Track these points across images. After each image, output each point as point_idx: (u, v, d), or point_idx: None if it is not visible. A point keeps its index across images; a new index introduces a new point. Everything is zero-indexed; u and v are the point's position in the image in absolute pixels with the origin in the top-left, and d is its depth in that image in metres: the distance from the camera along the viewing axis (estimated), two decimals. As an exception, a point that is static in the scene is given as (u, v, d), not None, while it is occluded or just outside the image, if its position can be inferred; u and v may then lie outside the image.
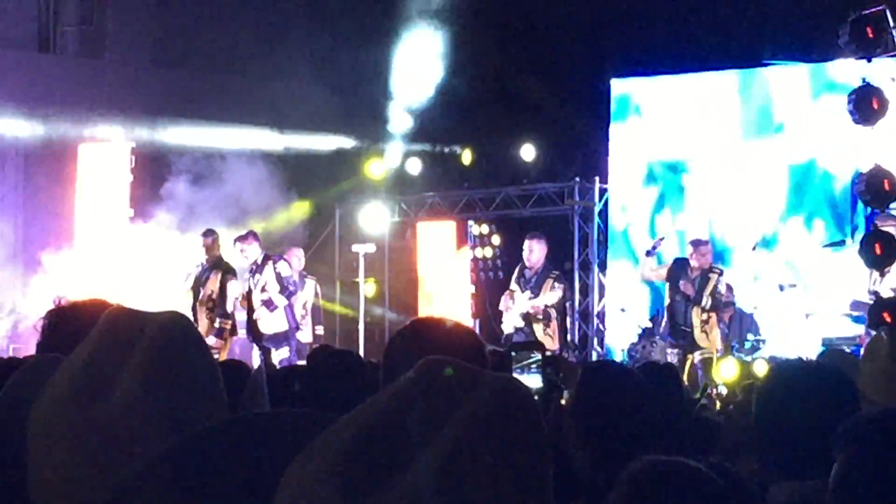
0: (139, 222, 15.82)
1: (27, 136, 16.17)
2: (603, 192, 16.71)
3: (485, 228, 17.92)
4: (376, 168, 18.22)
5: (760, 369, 10.87)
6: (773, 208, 15.33)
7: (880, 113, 12.27)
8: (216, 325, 13.62)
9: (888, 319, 10.96)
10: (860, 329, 12.19)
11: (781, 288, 13.94)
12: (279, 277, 13.49)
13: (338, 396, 4.02)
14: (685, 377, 12.22)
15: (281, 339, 13.52)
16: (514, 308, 13.61)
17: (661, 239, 14.16)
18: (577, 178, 16.81)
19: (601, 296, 16.61)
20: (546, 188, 17.23)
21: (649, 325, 14.54)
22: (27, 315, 14.53)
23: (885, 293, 11.81)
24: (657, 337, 13.71)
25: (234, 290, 13.65)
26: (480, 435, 1.15)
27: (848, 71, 13.43)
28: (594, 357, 15.67)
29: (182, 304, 13.41)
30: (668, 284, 13.36)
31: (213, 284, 13.75)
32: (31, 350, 3.17)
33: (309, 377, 4.53)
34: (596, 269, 16.64)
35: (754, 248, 14.69)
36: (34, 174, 17.01)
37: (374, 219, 17.73)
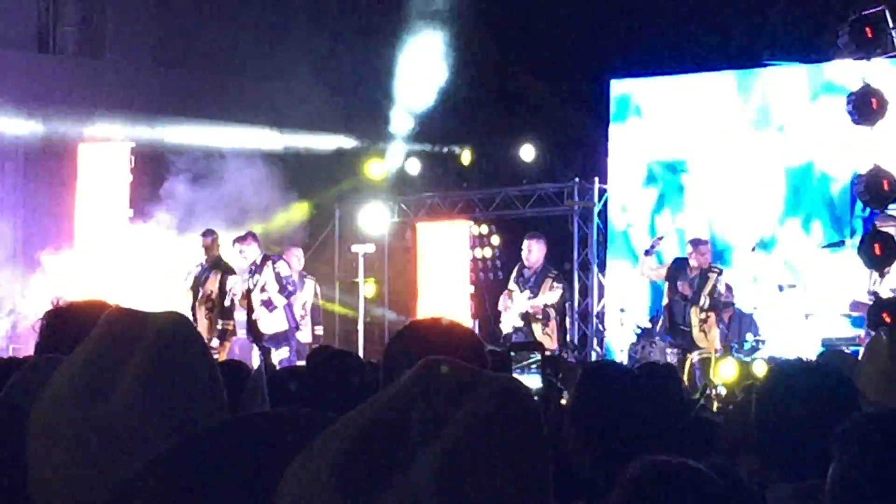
0: (139, 222, 15.82)
1: (27, 136, 16.17)
2: (602, 192, 16.71)
3: (484, 229, 17.91)
4: (376, 168, 18.22)
5: (760, 370, 10.87)
6: (771, 209, 15.34)
7: (880, 113, 12.27)
8: (218, 326, 13.65)
9: (888, 320, 10.96)
10: (860, 330, 12.19)
11: (781, 288, 13.94)
12: (278, 277, 13.49)
13: (337, 397, 4.02)
14: (685, 377, 12.23)
15: (281, 338, 13.52)
16: (513, 308, 13.61)
17: (660, 238, 14.18)
18: (577, 179, 16.81)
19: (601, 296, 16.61)
20: (546, 188, 17.23)
21: (648, 325, 14.54)
22: (27, 315, 14.52)
23: (885, 294, 11.81)
24: (657, 337, 13.72)
25: (233, 283, 13.64)
26: (480, 435, 1.15)
27: (847, 72, 13.43)
28: (593, 357, 15.67)
29: (181, 303, 13.41)
30: (667, 284, 13.37)
31: (212, 284, 13.76)
32: (30, 350, 3.16)
33: (308, 378, 4.53)
34: (595, 269, 16.64)
35: (753, 250, 14.69)
36: (34, 174, 17.01)
37: (374, 219, 17.72)
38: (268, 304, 13.44)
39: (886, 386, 3.70)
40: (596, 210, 16.69)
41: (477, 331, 13.20)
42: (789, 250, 14.96)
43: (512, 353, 3.61)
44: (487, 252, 17.86)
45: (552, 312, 13.62)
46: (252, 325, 13.61)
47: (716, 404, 8.65)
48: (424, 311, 16.42)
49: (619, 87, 16.62)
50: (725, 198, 15.54)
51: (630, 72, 16.47)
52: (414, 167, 18.41)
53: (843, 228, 14.78)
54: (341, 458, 1.16)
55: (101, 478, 1.41)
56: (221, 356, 12.54)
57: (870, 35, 12.31)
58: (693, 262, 13.16)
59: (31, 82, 16.51)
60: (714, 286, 13.00)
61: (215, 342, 13.44)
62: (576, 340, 16.27)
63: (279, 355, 13.37)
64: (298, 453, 1.21)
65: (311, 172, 17.56)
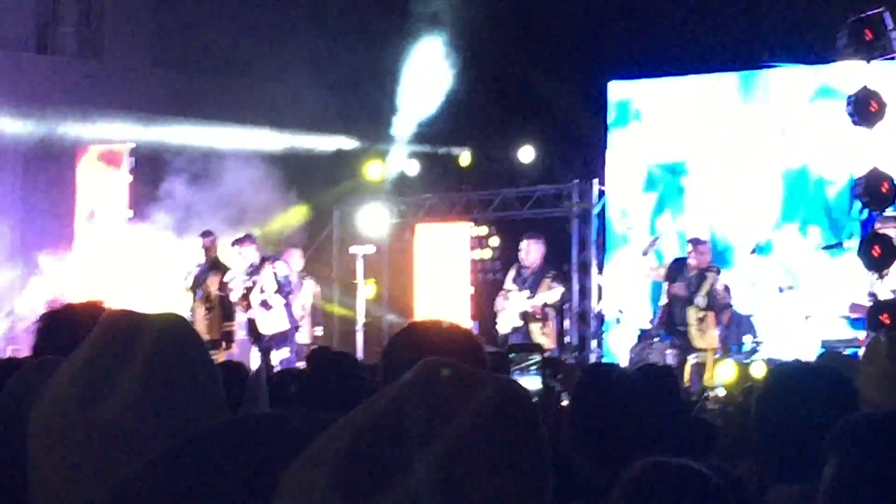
0: (138, 223, 15.82)
1: (26, 137, 16.17)
2: (601, 193, 16.72)
3: (483, 230, 17.91)
4: (375, 169, 18.22)
5: (758, 371, 10.87)
6: (769, 212, 15.35)
7: (879, 115, 12.28)
8: (223, 328, 13.68)
9: (887, 322, 10.96)
10: (859, 331, 12.19)
11: (780, 290, 13.95)
12: (276, 278, 13.51)
13: (336, 398, 4.03)
14: (685, 379, 12.24)
15: (282, 338, 13.53)
16: (511, 307, 13.61)
17: (656, 239, 14.22)
18: (576, 180, 16.82)
19: (599, 297, 16.62)
20: (544, 190, 17.24)
21: (648, 326, 14.54)
22: (25, 316, 14.53)
23: (884, 295, 11.81)
24: (656, 339, 13.73)
25: (229, 278, 13.63)
26: (480, 437, 1.15)
27: (845, 74, 13.43)
28: (592, 359, 15.68)
29: (180, 304, 13.42)
30: (666, 283, 13.39)
31: (211, 285, 13.78)
32: (28, 352, 3.16)
33: (307, 379, 4.54)
34: (594, 270, 16.64)
35: (753, 252, 14.71)
36: (33, 175, 17.01)
37: (373, 220, 17.72)
38: (265, 304, 13.45)
39: (886, 388, 3.70)
40: (595, 211, 16.69)
41: (476, 332, 13.19)
42: (787, 253, 14.97)
43: (511, 355, 3.62)
44: (486, 253, 17.86)
45: (551, 312, 13.63)
46: (253, 326, 13.62)
47: (715, 406, 8.65)
48: (423, 312, 16.42)
49: (618, 92, 16.62)
50: (725, 199, 15.55)
51: (629, 73, 16.47)
52: (413, 168, 18.41)
53: (841, 231, 14.80)
54: (341, 459, 1.16)
55: (101, 478, 1.41)
56: (220, 357, 12.53)
57: (869, 37, 12.32)
58: (692, 262, 13.19)
59: (31, 83, 16.51)
60: (712, 285, 13.02)
61: (225, 345, 13.52)
62: (574, 342, 16.27)
63: (280, 355, 13.37)
64: (298, 454, 1.21)
65: (311, 173, 17.56)
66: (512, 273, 13.98)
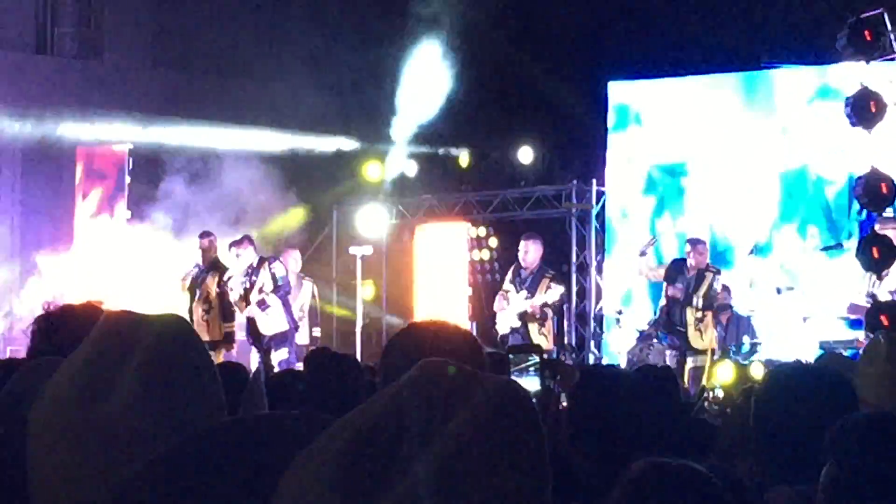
0: (137, 223, 15.82)
1: (24, 138, 16.17)
2: (600, 194, 16.72)
3: (482, 231, 17.91)
4: (374, 170, 18.22)
5: (757, 372, 10.86)
6: (767, 213, 15.36)
7: (878, 116, 12.28)
8: (223, 329, 13.68)
9: (886, 323, 10.96)
10: (857, 332, 12.19)
11: (779, 291, 13.95)
12: (274, 278, 13.51)
13: (335, 399, 4.02)
14: (684, 380, 12.23)
15: (282, 339, 13.53)
16: (510, 308, 13.61)
17: (654, 239, 14.24)
18: (575, 181, 16.82)
19: (598, 298, 16.62)
20: (543, 191, 17.24)
21: (649, 328, 14.53)
22: (23, 317, 14.53)
23: (883, 296, 11.81)
24: (655, 339, 13.73)
25: (228, 277, 13.64)
26: (479, 437, 1.16)
27: (844, 74, 13.44)
28: (591, 360, 15.68)
29: (179, 305, 13.42)
30: (665, 284, 13.40)
31: (209, 286, 13.77)
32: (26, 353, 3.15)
33: (306, 380, 4.53)
34: (593, 271, 16.64)
35: (751, 253, 14.71)
36: (31, 175, 17.01)
37: (372, 221, 17.72)
38: (261, 304, 13.45)
39: (885, 389, 3.70)
40: (594, 212, 16.70)
41: (475, 333, 13.17)
42: (786, 254, 14.97)
43: (510, 356, 3.62)
44: (485, 254, 17.86)
45: (550, 312, 13.62)
46: (252, 326, 13.62)
47: (713, 407, 8.64)
48: (422, 312, 16.42)
49: (618, 96, 16.61)
50: (725, 199, 15.56)
51: (628, 74, 16.48)
52: (412, 169, 18.41)
53: (840, 232, 14.80)
54: (340, 460, 1.16)
55: (100, 478, 1.41)
56: (219, 358, 12.53)
57: (868, 38, 12.32)
58: (691, 262, 13.19)
59: (30, 83, 16.51)
60: (710, 285, 13.03)
61: (226, 346, 13.53)
62: (573, 343, 16.28)
63: (279, 356, 13.37)
64: (297, 455, 1.21)
65: (310, 174, 17.56)
66: (510, 274, 13.98)
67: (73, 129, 16.21)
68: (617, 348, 15.27)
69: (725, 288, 13.54)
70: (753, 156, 15.45)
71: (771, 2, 15.34)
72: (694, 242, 13.45)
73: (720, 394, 10.35)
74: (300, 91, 16.63)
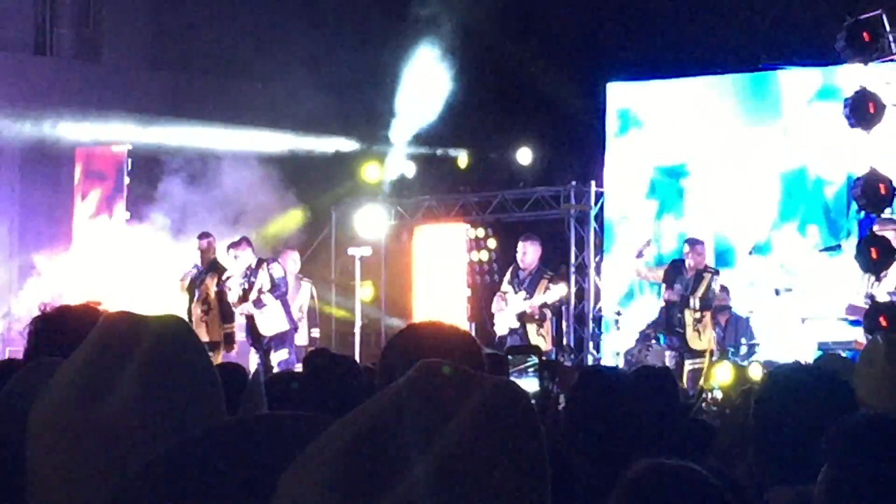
0: (136, 224, 15.82)
1: (23, 138, 16.17)
2: (599, 195, 16.72)
3: (481, 232, 17.90)
4: (373, 171, 18.22)
5: (755, 373, 10.87)
6: (767, 213, 15.37)
7: (877, 117, 12.28)
8: (223, 330, 13.68)
9: (884, 324, 10.96)
10: (856, 333, 12.19)
11: (777, 292, 13.96)
12: (271, 278, 13.52)
13: (334, 400, 4.02)
14: (683, 381, 12.23)
15: (282, 340, 13.53)
16: (508, 309, 13.61)
17: (649, 241, 14.24)
18: (574, 182, 16.82)
19: (597, 299, 16.62)
20: (542, 192, 17.24)
21: (648, 329, 14.54)
22: (22, 317, 14.53)
23: (882, 297, 11.81)
24: (653, 341, 13.74)
25: (226, 277, 13.64)
26: (478, 438, 1.16)
27: (845, 75, 13.45)
28: (590, 361, 15.68)
29: (177, 306, 13.41)
30: (664, 285, 13.40)
31: (208, 287, 13.77)
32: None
33: (305, 380, 4.54)
34: (592, 272, 16.64)
35: (750, 254, 14.72)
36: (30, 176, 17.02)
37: (371, 222, 17.72)
38: (258, 303, 13.45)
39: (884, 390, 3.70)
40: (592, 213, 16.70)
41: (473, 333, 13.16)
42: (785, 254, 14.98)
43: (509, 357, 3.62)
44: (484, 255, 17.85)
45: (548, 313, 13.63)
46: (252, 327, 13.62)
47: (712, 408, 8.64)
48: (421, 313, 16.42)
49: (618, 99, 16.59)
50: (726, 200, 15.56)
51: (628, 75, 16.47)
52: (411, 170, 18.41)
53: (839, 231, 14.81)
54: (340, 460, 1.16)
55: (100, 478, 1.42)
56: (218, 359, 12.53)
57: (867, 39, 12.32)
58: (690, 262, 13.20)
59: (29, 84, 16.52)
60: (708, 286, 13.03)
61: (226, 348, 13.54)
62: (572, 344, 16.28)
63: (279, 356, 13.37)
64: (296, 456, 1.21)
65: (309, 175, 17.56)
66: (508, 275, 13.98)
67: (72, 130, 16.21)
68: (615, 349, 15.27)
69: (724, 289, 13.55)
70: (754, 156, 15.45)
71: (771, 3, 15.34)
72: (693, 243, 13.45)
73: (718, 395, 10.37)
74: (299, 92, 16.64)
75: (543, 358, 4.03)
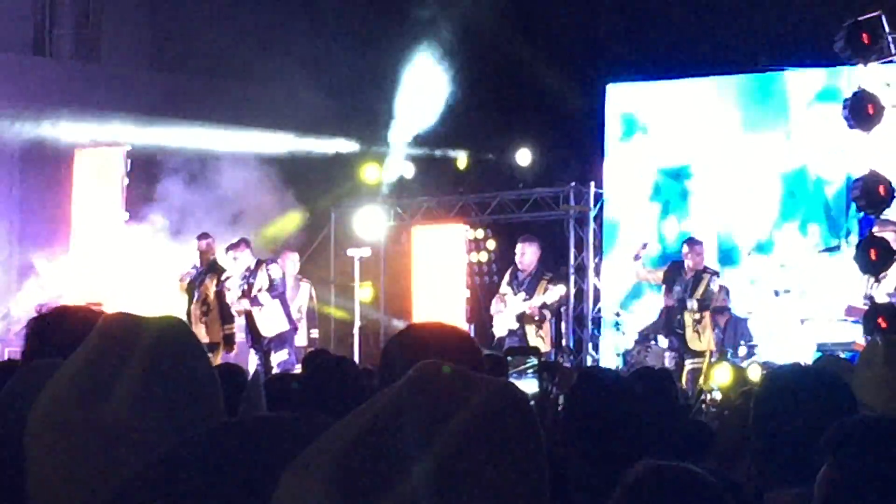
0: (134, 225, 15.81)
1: (22, 139, 16.17)
2: (598, 196, 16.71)
3: (480, 233, 17.90)
4: (372, 172, 18.22)
5: (754, 375, 10.88)
6: (768, 213, 15.38)
7: (876, 119, 12.28)
8: (223, 331, 13.68)
9: (883, 325, 10.97)
10: (855, 334, 12.19)
11: (777, 293, 13.96)
12: (269, 278, 13.53)
13: (333, 400, 4.02)
14: (683, 382, 12.23)
15: (281, 340, 13.53)
16: (507, 310, 13.61)
17: (645, 244, 14.25)
18: (573, 183, 16.82)
19: (596, 300, 16.62)
20: (541, 193, 17.23)
21: (646, 329, 14.54)
22: (21, 318, 14.53)
23: (881, 298, 11.82)
24: (653, 342, 13.73)
25: (226, 278, 13.64)
26: (477, 439, 1.16)
27: (844, 76, 13.46)
28: (589, 362, 15.67)
29: (177, 306, 13.42)
30: (664, 286, 13.40)
31: (207, 288, 13.77)
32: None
33: (305, 381, 4.54)
34: (591, 273, 16.64)
35: (750, 254, 14.72)
36: (29, 177, 17.01)
37: (370, 223, 17.72)
38: (255, 302, 13.45)
39: (884, 392, 3.70)
40: (592, 214, 16.69)
41: (472, 334, 13.15)
42: (786, 254, 14.99)
43: (509, 358, 3.62)
44: (483, 256, 17.86)
45: (547, 314, 13.63)
46: (252, 327, 13.62)
47: (711, 409, 8.65)
48: (420, 314, 16.41)
49: (618, 101, 16.58)
50: (729, 200, 15.57)
51: (627, 76, 16.47)
52: (410, 171, 18.41)
53: (839, 231, 14.82)
54: (341, 460, 1.16)
55: (100, 479, 1.42)
56: (216, 360, 12.54)
57: (866, 40, 12.32)
58: (689, 263, 13.20)
59: (27, 84, 16.51)
60: (707, 286, 13.03)
61: (226, 348, 13.55)
62: (571, 345, 16.27)
63: (279, 357, 13.37)
64: (296, 457, 1.21)
65: (308, 176, 17.55)
66: (507, 276, 13.98)
67: (71, 130, 16.20)
68: (615, 350, 15.27)
69: (723, 290, 13.54)
70: (756, 156, 15.46)
71: (772, 4, 15.35)
72: (692, 243, 13.45)
73: (717, 396, 10.37)
74: (298, 93, 16.64)
75: (542, 359, 4.03)
